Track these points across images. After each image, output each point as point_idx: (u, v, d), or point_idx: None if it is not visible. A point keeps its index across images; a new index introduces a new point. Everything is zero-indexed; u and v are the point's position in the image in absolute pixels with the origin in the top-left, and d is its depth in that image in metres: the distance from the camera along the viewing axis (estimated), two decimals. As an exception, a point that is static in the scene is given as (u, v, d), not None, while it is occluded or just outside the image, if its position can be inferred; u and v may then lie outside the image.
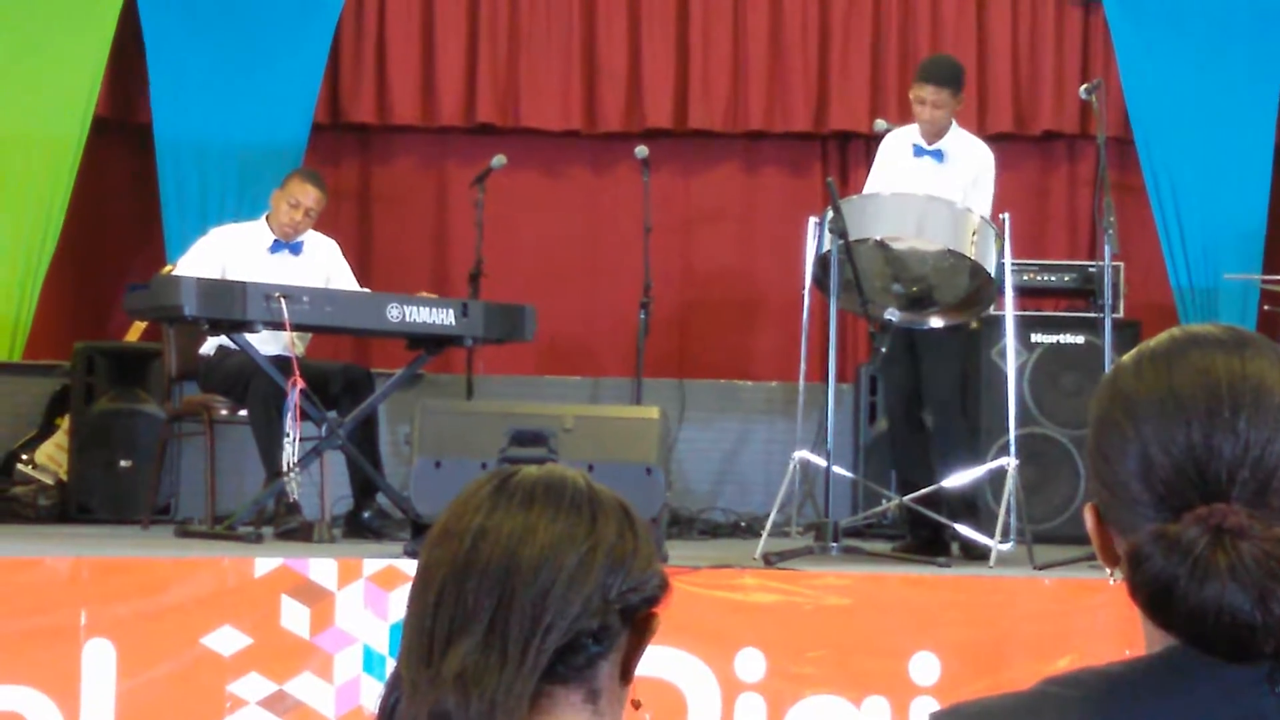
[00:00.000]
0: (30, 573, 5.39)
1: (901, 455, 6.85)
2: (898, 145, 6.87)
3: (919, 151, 6.78)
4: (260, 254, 7.31)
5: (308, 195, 7.33)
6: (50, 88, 8.56)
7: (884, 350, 6.23)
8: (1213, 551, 1.41)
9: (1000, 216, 6.45)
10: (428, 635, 1.65)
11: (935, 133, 6.76)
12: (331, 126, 9.02)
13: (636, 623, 1.71)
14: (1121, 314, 7.76)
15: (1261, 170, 8.65)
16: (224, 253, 7.22)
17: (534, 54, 9.00)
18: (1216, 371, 1.50)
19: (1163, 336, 1.57)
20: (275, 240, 7.36)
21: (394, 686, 1.68)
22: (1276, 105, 8.70)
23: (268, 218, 7.40)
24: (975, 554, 6.32)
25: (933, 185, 6.60)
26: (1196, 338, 1.54)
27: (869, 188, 6.79)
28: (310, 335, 7.32)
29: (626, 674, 1.72)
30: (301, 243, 7.42)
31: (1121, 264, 7.68)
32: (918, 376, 6.69)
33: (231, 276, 6.98)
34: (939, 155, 6.73)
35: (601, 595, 1.66)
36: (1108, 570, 1.55)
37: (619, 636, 1.69)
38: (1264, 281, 8.08)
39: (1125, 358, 1.57)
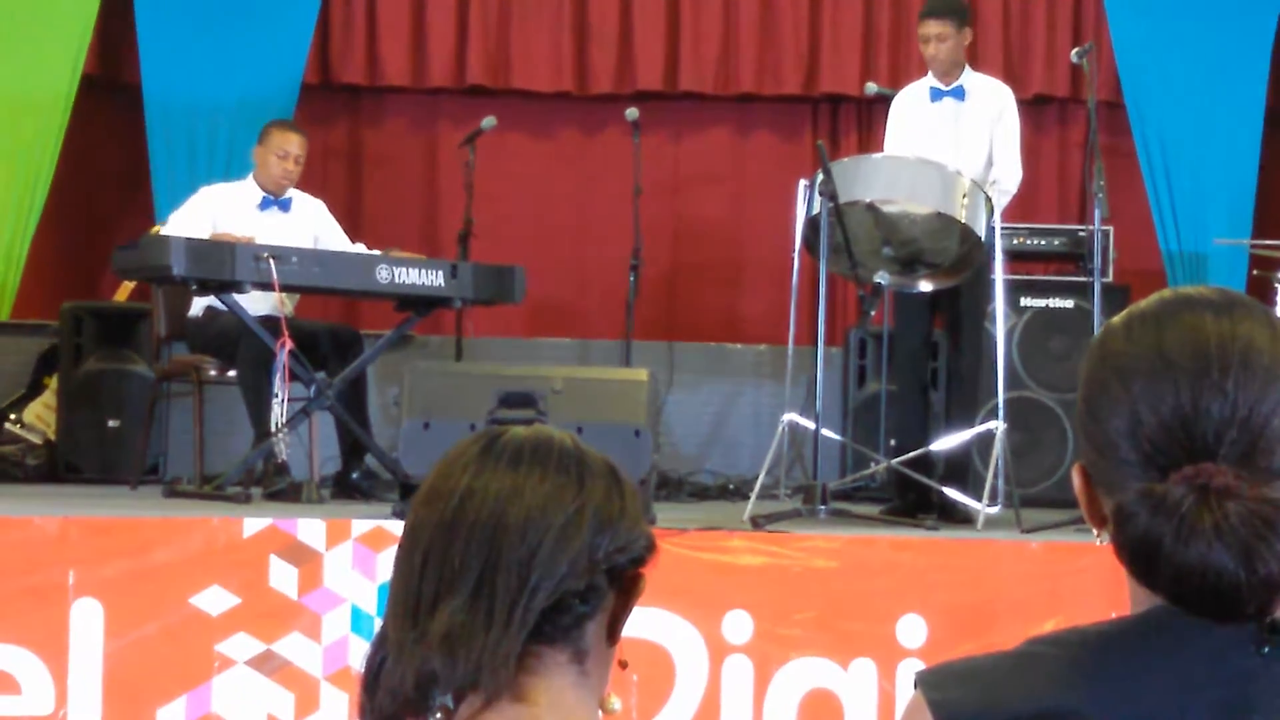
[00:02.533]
0: (18, 532, 5.40)
1: (902, 417, 6.86)
2: (911, 100, 6.85)
3: (937, 95, 6.75)
4: (250, 211, 7.30)
5: (292, 142, 7.33)
6: (38, 47, 8.52)
7: (871, 313, 6.24)
8: (1199, 511, 1.41)
9: (991, 180, 6.45)
10: (414, 595, 1.65)
11: (948, 70, 6.72)
12: (321, 86, 9.00)
13: (624, 583, 1.71)
14: (1111, 278, 7.77)
15: (1252, 135, 8.64)
16: (213, 211, 7.21)
17: (525, 15, 8.98)
18: (1206, 332, 1.50)
19: (1153, 298, 1.57)
20: (264, 197, 7.35)
21: (380, 646, 1.68)
22: (1267, 70, 8.69)
23: (254, 175, 7.38)
24: (960, 517, 6.33)
25: (958, 126, 6.61)
26: (1187, 299, 1.55)
27: (888, 150, 6.76)
28: (299, 295, 7.30)
29: (613, 634, 1.72)
30: (290, 199, 7.41)
31: (1111, 228, 7.68)
32: (931, 340, 6.72)
33: (220, 232, 6.97)
34: (959, 93, 6.72)
35: (589, 556, 1.66)
36: (1094, 532, 1.56)
37: (606, 597, 1.69)
38: (1253, 246, 8.08)
39: (1115, 319, 1.57)
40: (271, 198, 7.35)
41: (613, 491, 1.71)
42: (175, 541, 5.43)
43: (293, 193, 7.45)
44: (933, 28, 6.64)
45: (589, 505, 1.68)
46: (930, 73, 6.78)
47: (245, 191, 7.37)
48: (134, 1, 8.69)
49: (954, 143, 6.63)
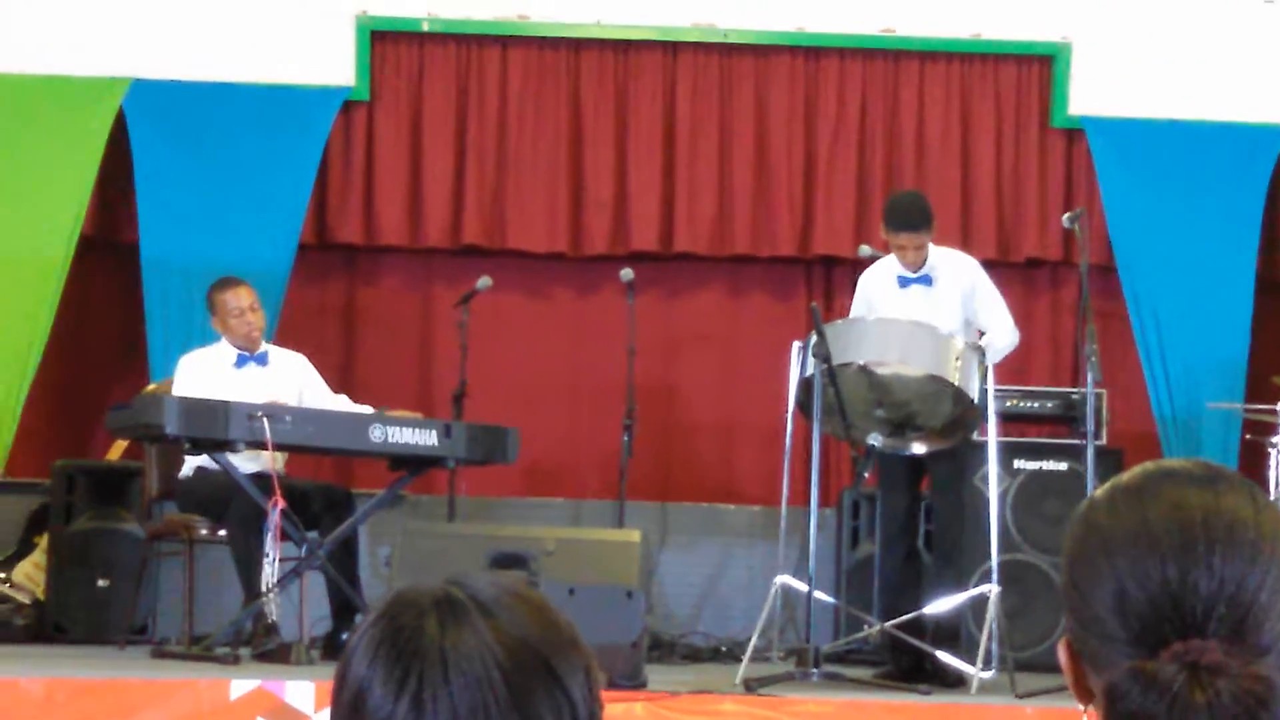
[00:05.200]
0: (4, 694, 5.35)
1: (891, 581, 6.84)
2: (879, 280, 6.93)
3: (905, 282, 6.83)
4: (228, 371, 7.32)
5: (241, 297, 7.39)
6: (38, 207, 8.58)
7: (865, 475, 6.25)
8: (1191, 689, 1.40)
9: (982, 343, 6.48)
10: None
11: (920, 265, 6.84)
12: (318, 246, 9.05)
13: None
14: (1104, 442, 7.77)
15: (1243, 298, 8.69)
16: (201, 376, 7.22)
17: (521, 176, 9.05)
18: (1190, 506, 1.50)
19: (1135, 471, 1.57)
20: (240, 354, 7.37)
21: None
22: (1258, 235, 8.76)
23: (225, 338, 7.42)
24: (954, 681, 6.28)
25: (928, 310, 6.66)
26: (1169, 472, 1.54)
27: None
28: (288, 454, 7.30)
29: None
30: (267, 353, 7.43)
31: (1104, 391, 7.70)
32: (918, 503, 6.72)
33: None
34: (927, 280, 6.80)
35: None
36: (1081, 707, 1.54)
37: None
38: (1246, 410, 8.10)
39: (1098, 492, 1.57)
40: (247, 354, 7.38)
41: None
42: (161, 704, 5.37)
43: (270, 348, 7.48)
44: (911, 240, 6.74)
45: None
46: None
47: (220, 353, 7.40)
48: (133, 162, 8.76)
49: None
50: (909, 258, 6.80)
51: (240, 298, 7.36)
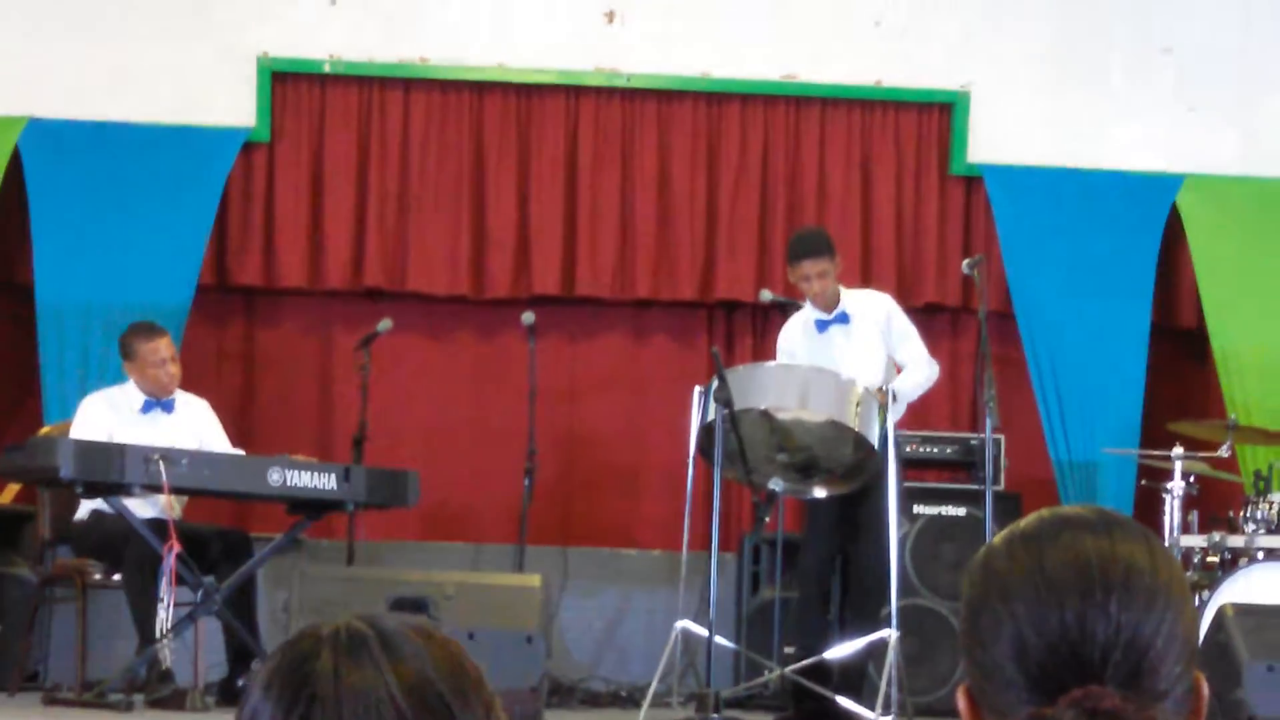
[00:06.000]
0: (-111, 741, 5.24)
1: (811, 624, 6.84)
2: (797, 331, 6.99)
3: (823, 325, 6.89)
4: (133, 416, 7.23)
5: (160, 347, 7.32)
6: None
7: (765, 520, 6.27)
8: (1088, 735, 1.40)
9: (885, 388, 6.51)
10: None
11: (832, 302, 6.88)
12: (217, 288, 8.97)
13: None
14: (1003, 486, 7.83)
15: (1138, 345, 8.79)
16: (104, 419, 7.14)
17: (422, 218, 9.02)
18: (1087, 554, 1.51)
19: (1032, 518, 1.58)
20: (146, 400, 7.29)
21: None
22: (1153, 281, 8.87)
23: (134, 382, 7.34)
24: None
25: (851, 352, 6.71)
26: (1066, 519, 1.55)
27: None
28: (187, 497, 7.22)
29: None
30: (173, 400, 7.36)
31: (1002, 437, 7.76)
32: (840, 546, 6.74)
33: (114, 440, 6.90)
34: (844, 318, 6.87)
35: None
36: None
37: None
38: (1142, 456, 8.18)
39: (996, 539, 1.58)
40: (154, 400, 7.30)
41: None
42: (53, 751, 5.29)
43: (177, 393, 7.40)
44: (812, 267, 6.81)
45: None
46: (810, 304, 6.92)
47: (127, 396, 7.32)
48: (28, 200, 8.66)
49: (850, 364, 6.71)
50: (814, 288, 6.84)
51: (159, 350, 7.30)
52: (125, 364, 7.36)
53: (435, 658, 1.52)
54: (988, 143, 9.07)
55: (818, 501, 6.72)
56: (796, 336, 6.99)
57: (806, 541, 6.93)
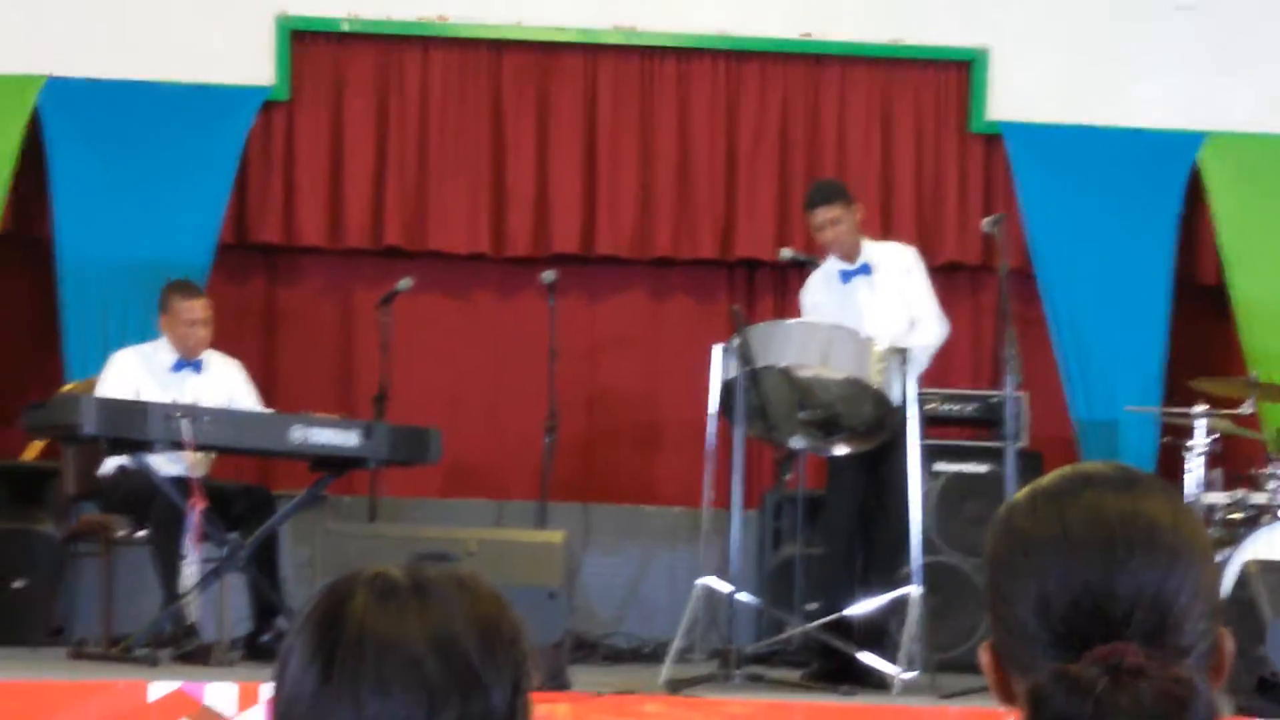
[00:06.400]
0: (-82, 696, 5.29)
1: (831, 581, 6.85)
2: (820, 284, 6.97)
3: (846, 276, 6.87)
4: (163, 374, 7.27)
5: (197, 308, 7.34)
6: (-49, 202, 8.49)
7: (786, 477, 6.28)
8: (1114, 692, 1.42)
9: (905, 348, 6.52)
10: None
11: (850, 249, 6.86)
12: (237, 246, 8.99)
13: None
14: (1025, 444, 7.83)
15: (1160, 302, 8.78)
16: (133, 375, 7.18)
17: (442, 177, 9.03)
18: (1109, 510, 1.52)
19: (1054, 475, 1.58)
20: (177, 359, 7.32)
21: None
22: (1174, 238, 8.85)
23: (166, 339, 7.36)
24: (877, 682, 6.31)
25: (874, 302, 6.70)
26: (1088, 477, 1.56)
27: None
28: (214, 455, 7.25)
29: None
30: (202, 360, 7.38)
31: (1024, 394, 7.76)
32: (865, 504, 6.75)
33: (142, 398, 6.93)
34: (867, 269, 6.86)
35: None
36: (1004, 709, 1.55)
37: None
38: (1163, 414, 8.18)
39: (1018, 496, 1.59)
40: (184, 360, 7.33)
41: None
42: (78, 706, 5.33)
43: (208, 353, 7.43)
44: (824, 214, 6.80)
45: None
46: (832, 256, 6.91)
47: (158, 353, 7.34)
48: (49, 159, 8.68)
49: (873, 316, 6.71)
50: (827, 235, 6.83)
51: (194, 310, 7.32)
52: (161, 318, 7.38)
53: (469, 612, 1.52)
54: (1007, 100, 9.04)
55: (840, 459, 6.73)
56: (819, 290, 6.98)
57: (831, 498, 6.94)
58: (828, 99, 9.11)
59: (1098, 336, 8.75)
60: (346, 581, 1.55)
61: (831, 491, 6.94)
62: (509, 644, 1.53)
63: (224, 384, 7.41)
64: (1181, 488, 7.35)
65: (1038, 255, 8.85)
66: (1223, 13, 9.05)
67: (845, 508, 6.83)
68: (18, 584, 7.89)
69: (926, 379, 7.21)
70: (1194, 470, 7.44)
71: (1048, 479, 1.58)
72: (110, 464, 7.16)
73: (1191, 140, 8.92)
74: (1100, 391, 8.71)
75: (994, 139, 9.09)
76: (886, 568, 6.73)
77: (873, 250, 6.94)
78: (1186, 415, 7.61)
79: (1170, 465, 7.82)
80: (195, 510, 6.37)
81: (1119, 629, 1.47)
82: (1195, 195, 8.93)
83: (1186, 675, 1.43)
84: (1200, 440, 7.48)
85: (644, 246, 9.08)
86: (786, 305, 8.77)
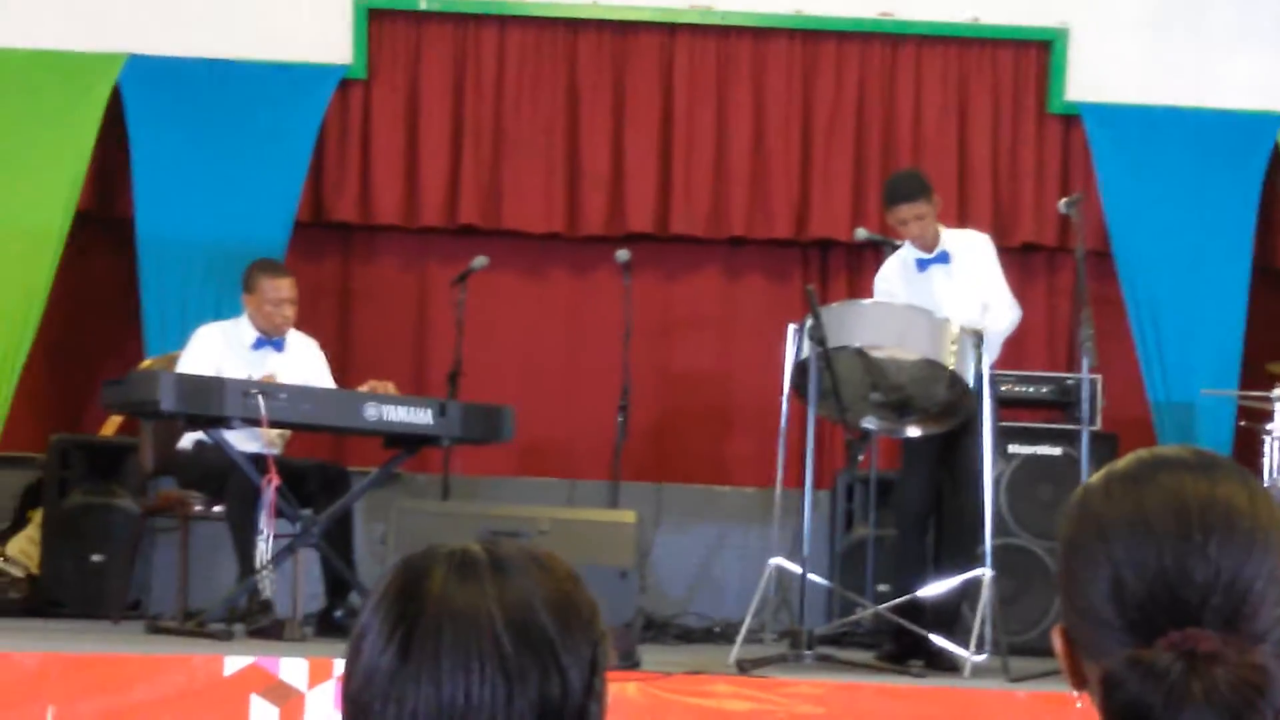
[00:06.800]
0: (-2, 667, 5.35)
1: (904, 563, 6.84)
2: (895, 270, 6.94)
3: (923, 265, 6.84)
4: (245, 351, 7.32)
5: (283, 288, 7.36)
6: (34, 179, 8.57)
7: (859, 458, 6.26)
8: (1188, 678, 1.41)
9: (979, 328, 6.48)
10: None
11: (932, 242, 6.83)
12: (313, 224, 9.04)
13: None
14: (1099, 426, 7.77)
15: (1238, 287, 8.69)
16: (216, 351, 7.23)
17: (517, 156, 9.04)
18: (1186, 494, 1.50)
19: (1130, 458, 1.57)
20: (258, 337, 7.37)
21: None
22: (1254, 221, 8.77)
23: (249, 317, 7.40)
24: (948, 664, 6.29)
25: (951, 290, 6.68)
26: (1164, 460, 1.55)
27: None
28: (290, 433, 7.30)
29: None
30: (283, 340, 7.42)
31: (1099, 377, 7.71)
32: (938, 486, 6.73)
33: (224, 374, 6.98)
34: (945, 257, 6.82)
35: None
36: (1075, 693, 1.55)
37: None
38: (1240, 397, 8.11)
39: (1093, 479, 1.58)
40: (265, 338, 7.37)
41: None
42: (155, 679, 5.38)
43: (290, 332, 7.47)
44: (909, 211, 6.74)
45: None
46: (909, 244, 6.88)
47: (240, 331, 7.39)
48: (129, 137, 8.75)
49: (949, 304, 6.67)
50: (912, 231, 6.79)
51: (281, 289, 7.35)
52: (245, 296, 7.41)
53: (546, 590, 1.52)
54: (1086, 81, 8.97)
55: (914, 440, 6.71)
56: (894, 276, 6.95)
57: (905, 480, 6.92)
58: (904, 79, 9.07)
59: (1175, 319, 8.68)
60: (423, 557, 1.55)
61: (904, 473, 6.91)
62: (586, 622, 1.53)
63: (302, 362, 7.45)
64: (1259, 472, 7.28)
65: (1115, 237, 8.78)
66: (1306, -8, 8.96)
67: (918, 489, 6.81)
68: (96, 558, 7.97)
69: (1001, 361, 7.18)
70: (1271, 454, 7.37)
71: (1123, 462, 1.57)
72: (187, 440, 7.22)
73: (1273, 121, 8.83)
74: (1177, 374, 8.65)
75: (1072, 119, 9.03)
76: (959, 550, 6.70)
77: (950, 239, 6.90)
78: (1264, 399, 7.55)
79: (1247, 449, 7.75)
80: (270, 486, 6.41)
81: (1194, 615, 1.46)
82: (1276, 177, 8.84)
83: (1262, 662, 1.42)
84: (1278, 424, 7.41)
85: (719, 226, 9.07)
86: (860, 285, 8.74)
